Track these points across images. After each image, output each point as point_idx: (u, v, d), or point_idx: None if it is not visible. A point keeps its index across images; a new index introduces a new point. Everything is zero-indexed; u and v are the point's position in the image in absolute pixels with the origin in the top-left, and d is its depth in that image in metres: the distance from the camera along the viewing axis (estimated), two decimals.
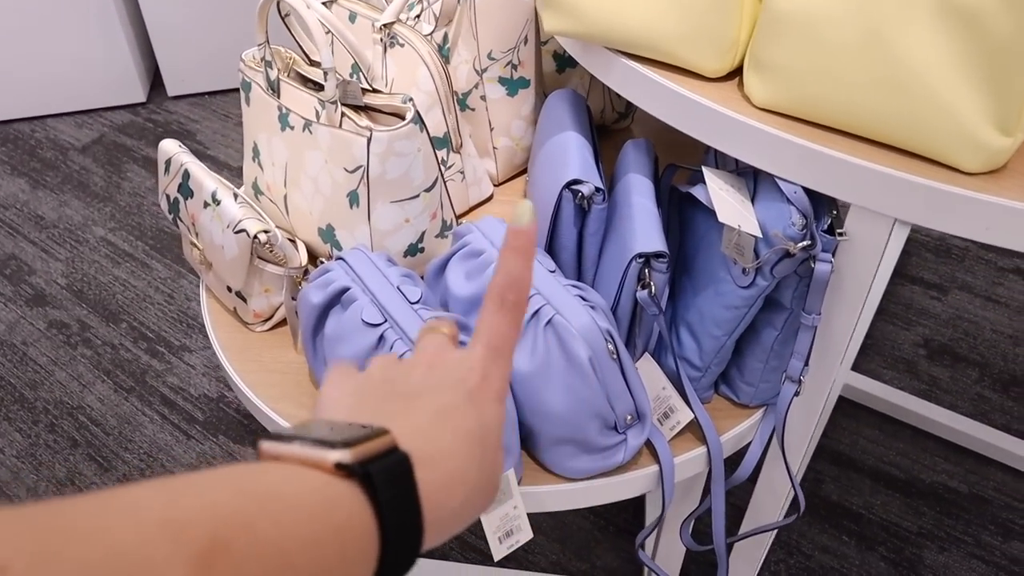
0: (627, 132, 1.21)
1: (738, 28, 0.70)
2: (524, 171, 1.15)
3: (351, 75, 0.99)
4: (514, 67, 1.02)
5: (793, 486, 0.82)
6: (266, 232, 0.85)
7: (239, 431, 1.50)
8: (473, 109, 1.05)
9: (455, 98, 0.97)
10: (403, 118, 0.88)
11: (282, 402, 0.85)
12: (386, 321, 0.74)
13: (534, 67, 1.04)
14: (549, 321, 0.72)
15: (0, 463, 1.47)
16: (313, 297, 0.79)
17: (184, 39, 2.27)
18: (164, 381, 1.59)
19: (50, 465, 1.46)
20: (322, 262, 0.84)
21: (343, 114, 0.86)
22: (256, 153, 0.99)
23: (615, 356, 0.72)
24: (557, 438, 0.74)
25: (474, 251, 0.81)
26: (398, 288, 0.77)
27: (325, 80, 0.84)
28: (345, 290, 0.78)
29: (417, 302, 0.76)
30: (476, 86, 1.02)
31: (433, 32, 1.00)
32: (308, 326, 0.81)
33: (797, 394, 0.77)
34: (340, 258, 0.82)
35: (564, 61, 1.12)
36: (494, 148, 1.08)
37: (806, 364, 0.75)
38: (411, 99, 0.86)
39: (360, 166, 0.86)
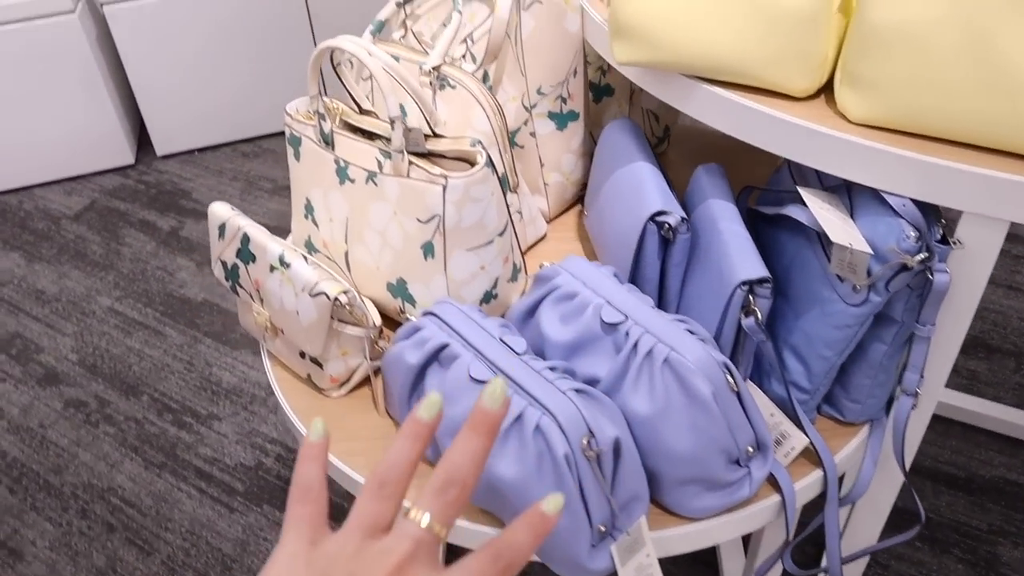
0: (663, 156, 1.21)
1: (827, 44, 0.69)
2: (573, 205, 1.13)
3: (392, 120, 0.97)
4: (564, 101, 1.01)
5: (915, 499, 0.80)
6: (346, 293, 0.82)
7: (283, 498, 1.45)
8: (522, 146, 1.03)
9: (509, 136, 0.96)
10: (469, 162, 0.87)
11: None
12: (496, 377, 0.71)
13: (583, 99, 1.03)
14: (665, 359, 0.70)
15: (34, 557, 1.41)
16: (409, 357, 0.77)
17: (170, 97, 2.24)
18: (196, 453, 1.54)
19: (87, 554, 1.40)
20: (409, 318, 0.81)
21: (410, 162, 0.84)
22: (309, 210, 0.96)
23: (734, 388, 0.71)
24: (682, 478, 0.72)
25: (567, 294, 0.79)
26: (501, 340, 0.74)
27: (392, 128, 0.82)
28: (444, 347, 0.75)
29: (524, 353, 0.73)
30: (525, 122, 1.01)
31: (476, 71, 0.98)
32: (403, 387, 0.79)
33: (914, 407, 0.76)
34: (430, 313, 0.79)
35: (600, 91, 1.10)
36: (545, 184, 1.06)
37: (921, 376, 0.74)
38: (479, 141, 0.84)
39: (435, 215, 0.83)
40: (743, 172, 1.12)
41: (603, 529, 0.69)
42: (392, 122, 0.82)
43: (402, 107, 0.82)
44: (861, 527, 0.93)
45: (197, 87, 2.24)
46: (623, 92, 1.12)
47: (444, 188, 0.82)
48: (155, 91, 2.22)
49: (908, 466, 0.85)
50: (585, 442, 0.66)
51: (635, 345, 0.72)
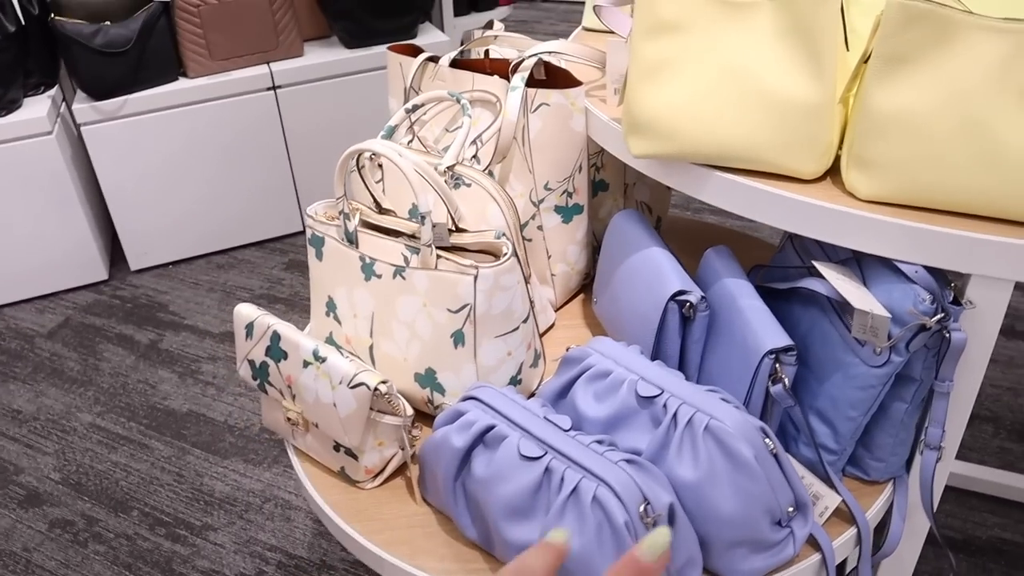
0: None
1: (832, 132, 0.77)
2: (577, 294, 1.18)
3: (409, 216, 1.01)
4: (569, 195, 1.07)
5: (947, 555, 0.83)
6: (384, 382, 0.84)
7: None
8: (530, 240, 1.08)
9: (521, 231, 1.01)
10: (492, 254, 0.91)
11: (421, 557, 0.83)
12: (547, 453, 0.74)
13: (586, 193, 1.09)
14: (706, 427, 0.74)
15: None
16: (456, 441, 0.79)
17: (144, 212, 2.26)
18: (194, 566, 1.50)
19: None
20: (437, 407, 0.84)
21: (437, 256, 0.88)
22: (332, 307, 0.99)
23: (773, 450, 0.74)
24: (731, 541, 0.75)
25: (600, 372, 0.82)
26: (545, 418, 0.77)
27: (423, 223, 0.86)
28: (490, 428, 0.78)
29: (570, 429, 0.76)
30: (533, 217, 1.06)
31: (484, 170, 1.04)
32: (448, 471, 0.80)
33: (939, 460, 0.80)
34: (470, 397, 0.82)
35: (596, 186, 1.17)
36: (552, 275, 1.11)
37: (943, 430, 0.79)
38: (504, 234, 0.89)
39: (466, 304, 0.87)
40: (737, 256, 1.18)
41: None
42: (423, 217, 0.86)
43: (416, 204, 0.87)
44: None
45: (170, 201, 2.27)
46: (617, 186, 1.19)
47: (475, 278, 0.86)
48: (129, 207, 2.24)
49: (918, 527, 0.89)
50: (642, 509, 0.69)
51: (674, 416, 0.76)
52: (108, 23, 2.02)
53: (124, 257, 2.36)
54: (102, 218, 2.38)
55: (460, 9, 2.70)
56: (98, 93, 2.08)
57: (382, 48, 2.29)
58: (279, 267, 2.35)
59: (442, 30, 2.62)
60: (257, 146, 2.29)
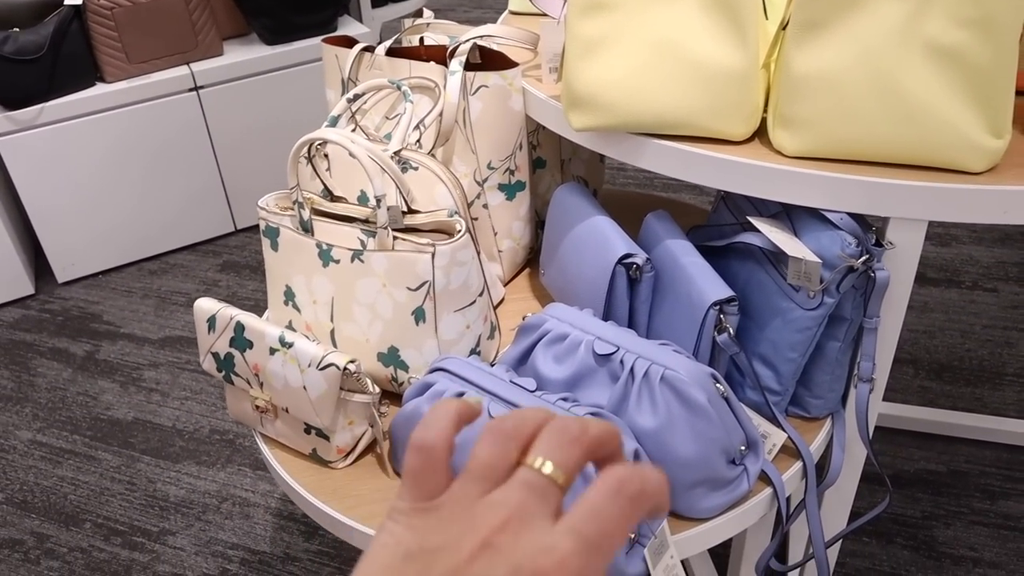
0: None
1: (757, 95, 0.83)
2: (523, 269, 1.22)
3: (359, 202, 1.03)
4: (511, 172, 1.11)
5: (880, 472, 0.91)
6: (353, 361, 0.87)
7: None
8: (476, 218, 1.12)
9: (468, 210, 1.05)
10: (445, 232, 0.95)
11: None
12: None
13: (528, 169, 1.13)
14: (662, 377, 0.79)
15: None
16: (427, 411, 0.82)
17: (68, 222, 2.21)
18: (155, 572, 1.50)
19: None
20: (401, 384, 0.87)
21: (394, 237, 0.91)
22: (290, 296, 1.01)
23: (724, 394, 0.80)
24: (691, 482, 0.80)
25: (558, 336, 0.87)
26: (511, 382, 0.81)
27: (378, 207, 0.89)
28: (459, 396, 0.81)
29: (536, 390, 0.80)
30: (478, 196, 1.10)
31: (429, 153, 1.07)
32: None
33: (871, 391, 0.87)
34: (437, 368, 0.85)
35: (534, 163, 1.22)
36: (499, 251, 1.15)
37: (873, 363, 0.86)
38: (456, 212, 0.93)
39: (425, 282, 0.90)
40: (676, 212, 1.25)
41: (632, 536, 0.76)
42: (378, 201, 0.89)
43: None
44: (832, 514, 1.04)
45: (96, 210, 2.23)
46: (555, 163, 1.24)
47: (433, 255, 0.89)
48: (52, 218, 2.18)
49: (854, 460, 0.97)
50: None
51: (631, 370, 0.81)
52: (17, 30, 1.97)
53: (51, 270, 2.30)
54: (24, 231, 2.32)
55: (377, 0, 2.71)
56: (12, 103, 2.03)
57: (303, 43, 2.29)
58: (214, 269, 2.33)
59: (361, 21, 2.63)
60: (182, 148, 2.26)
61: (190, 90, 2.20)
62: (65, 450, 1.78)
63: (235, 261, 2.35)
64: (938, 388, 1.69)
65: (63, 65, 2.06)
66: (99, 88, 2.12)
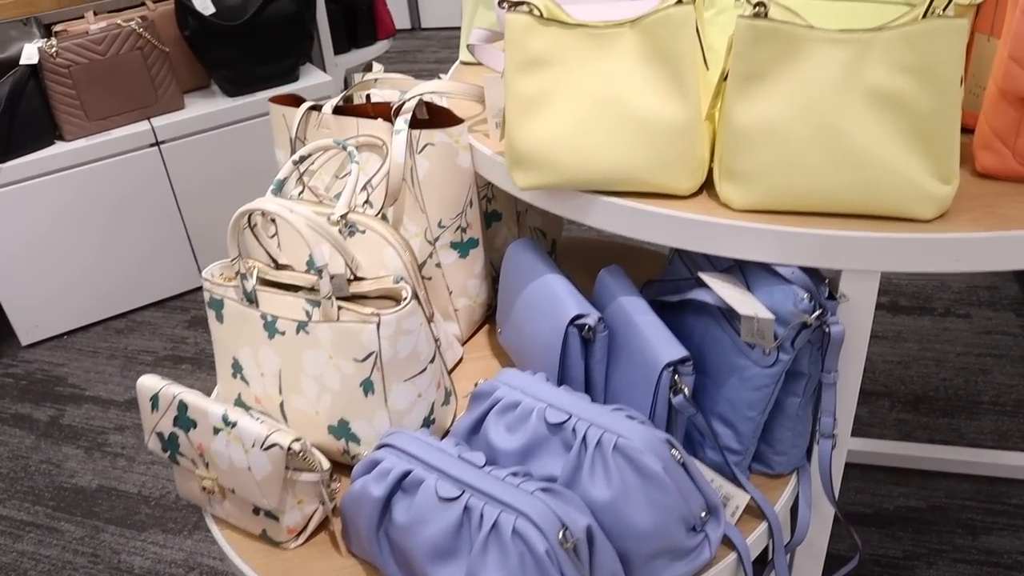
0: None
1: (702, 148, 0.81)
2: (482, 326, 1.20)
3: (307, 269, 1.01)
4: (463, 230, 1.08)
5: (851, 534, 0.88)
6: (298, 440, 0.84)
7: None
8: (430, 278, 1.09)
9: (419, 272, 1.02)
10: (392, 298, 0.92)
11: None
12: (464, 491, 0.75)
13: (480, 226, 1.11)
14: (615, 446, 0.76)
15: None
16: (374, 490, 0.79)
17: (30, 283, 2.17)
18: None
19: None
20: (354, 457, 0.84)
21: (339, 307, 0.88)
22: (237, 369, 0.98)
23: (680, 460, 0.77)
24: (650, 553, 0.77)
25: (510, 404, 0.84)
26: (460, 457, 0.78)
27: (320, 277, 0.87)
28: (407, 474, 0.78)
29: (484, 465, 0.77)
30: (430, 255, 1.08)
31: (377, 214, 1.05)
32: (370, 522, 0.80)
33: (834, 447, 0.85)
34: (384, 445, 0.82)
35: (489, 217, 1.19)
36: (455, 310, 1.13)
37: (834, 419, 0.84)
38: (402, 278, 0.90)
39: (372, 352, 0.88)
40: (630, 273, 1.22)
41: None
42: (320, 271, 0.86)
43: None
44: (804, 572, 1.01)
45: (59, 270, 2.19)
46: (510, 215, 1.22)
47: (378, 325, 0.86)
48: (13, 279, 2.14)
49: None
50: (561, 535, 0.70)
51: (584, 439, 0.78)
52: None
53: (14, 332, 2.26)
54: None
55: (340, 47, 2.69)
56: None
57: (265, 94, 2.27)
58: (181, 325, 2.29)
59: (324, 70, 2.61)
60: (146, 204, 2.23)
61: (151, 145, 2.18)
62: (26, 523, 1.72)
63: (203, 316, 2.31)
64: (915, 420, 1.67)
65: (21, 125, 2.03)
66: (58, 147, 2.09)
